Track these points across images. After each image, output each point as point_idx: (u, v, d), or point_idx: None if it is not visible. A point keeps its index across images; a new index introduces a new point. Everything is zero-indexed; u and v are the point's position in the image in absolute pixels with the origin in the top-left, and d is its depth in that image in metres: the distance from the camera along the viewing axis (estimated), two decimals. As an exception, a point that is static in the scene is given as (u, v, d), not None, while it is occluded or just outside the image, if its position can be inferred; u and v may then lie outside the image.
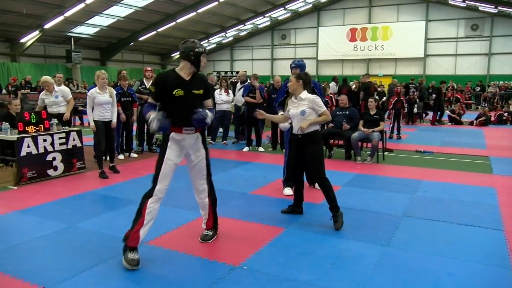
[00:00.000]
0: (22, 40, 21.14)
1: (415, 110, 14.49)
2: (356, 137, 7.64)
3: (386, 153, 8.27)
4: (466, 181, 6.34)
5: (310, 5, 29.08)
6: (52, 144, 6.45)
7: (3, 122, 6.46)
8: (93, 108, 6.49)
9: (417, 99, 14.64)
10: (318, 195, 5.47)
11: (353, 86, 13.67)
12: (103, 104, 6.45)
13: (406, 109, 12.66)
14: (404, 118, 12.70)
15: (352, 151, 7.91)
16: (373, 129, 7.65)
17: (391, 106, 11.25)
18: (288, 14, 29.90)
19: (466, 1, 23.87)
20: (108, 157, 7.06)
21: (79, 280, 3.19)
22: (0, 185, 5.93)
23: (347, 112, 8.06)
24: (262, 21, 29.81)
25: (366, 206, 5.03)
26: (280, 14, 29.13)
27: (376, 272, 3.33)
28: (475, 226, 4.37)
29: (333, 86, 15.21)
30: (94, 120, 6.46)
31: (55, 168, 6.49)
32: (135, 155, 8.27)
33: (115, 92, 6.80)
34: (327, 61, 30.20)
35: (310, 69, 30.12)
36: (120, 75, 8.03)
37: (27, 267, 3.41)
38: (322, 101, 4.58)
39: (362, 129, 7.73)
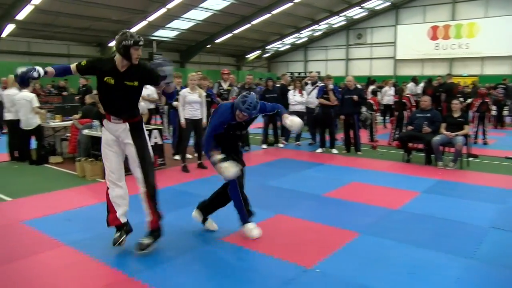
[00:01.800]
0: (110, 44, 22.82)
1: (505, 112, 13.35)
2: (437, 141, 7.22)
3: (470, 158, 7.71)
4: None
5: (388, 3, 28.02)
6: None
7: (94, 120, 7.02)
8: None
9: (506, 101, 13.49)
10: (396, 200, 5.27)
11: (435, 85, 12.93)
12: (192, 103, 6.93)
13: (492, 111, 11.70)
14: (490, 121, 11.72)
15: (433, 155, 7.49)
16: (456, 133, 7.18)
17: (475, 108, 10.44)
18: (365, 13, 29.08)
19: None
20: (196, 154, 7.42)
21: (159, 271, 3.36)
22: (91, 178, 6.46)
23: (429, 114, 7.64)
24: (337, 21, 29.29)
25: (448, 215, 4.74)
26: (356, 13, 28.42)
27: (460, 286, 3.12)
28: None
29: (411, 87, 14.54)
30: (184, 118, 6.99)
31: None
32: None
33: (204, 94, 7.15)
34: (405, 60, 28.87)
35: (387, 69, 29.09)
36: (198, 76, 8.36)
37: (113, 254, 3.67)
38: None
39: (445, 132, 7.29)
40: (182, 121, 7.02)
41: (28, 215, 4.72)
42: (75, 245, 3.86)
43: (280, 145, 9.68)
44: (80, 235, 4.12)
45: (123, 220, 3.76)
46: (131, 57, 3.56)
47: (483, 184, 6.18)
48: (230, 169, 3.71)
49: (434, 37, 27.50)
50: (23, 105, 7.33)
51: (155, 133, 7.19)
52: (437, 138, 7.23)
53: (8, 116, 7.77)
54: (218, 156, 3.82)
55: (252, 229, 4.12)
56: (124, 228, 3.78)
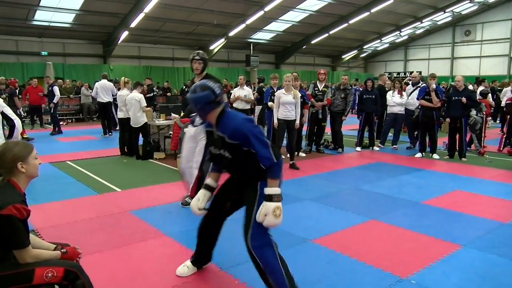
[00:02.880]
0: (211, 47, 24.01)
1: None
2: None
3: None
4: None
5: (504, -5, 25.40)
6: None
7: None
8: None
9: None
10: (507, 212, 4.78)
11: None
12: (285, 104, 7.06)
13: None
14: None
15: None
16: None
17: None
18: (475, 7, 26.69)
19: None
20: (288, 155, 7.50)
21: (251, 267, 3.44)
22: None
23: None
24: (442, 17, 27.30)
25: None
26: (464, 7, 26.21)
27: None
28: None
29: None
30: (277, 118, 7.15)
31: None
32: (303, 155, 8.55)
33: (299, 95, 7.22)
34: (522, 58, 25.95)
35: (500, 68, 26.45)
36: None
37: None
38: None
39: None
40: (276, 121, 7.13)
41: (135, 206, 5.17)
42: (175, 236, 4.14)
43: (376, 148, 9.33)
44: (179, 227, 4.40)
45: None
46: (192, 68, 4.81)
47: None
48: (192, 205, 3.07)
49: (559, 31, 24.30)
50: (133, 104, 8.04)
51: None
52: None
53: (120, 114, 8.61)
54: (206, 181, 3.12)
55: None
56: None
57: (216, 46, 23.93)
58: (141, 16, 17.81)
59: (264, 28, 23.64)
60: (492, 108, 11.68)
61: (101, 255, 3.72)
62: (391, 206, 5.15)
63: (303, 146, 8.83)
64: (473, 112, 8.43)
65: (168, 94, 17.90)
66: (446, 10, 25.65)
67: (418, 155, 8.46)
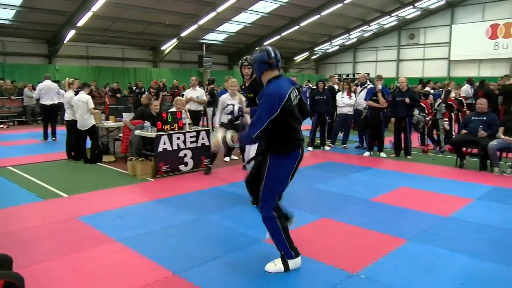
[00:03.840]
0: (163, 48, 23.59)
1: None
2: (495, 145, 6.84)
3: (532, 165, 7.24)
4: None
5: (443, 2, 26.89)
6: (184, 141, 7.06)
7: (146, 121, 7.29)
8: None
9: None
10: (448, 207, 5.05)
11: (491, 88, 12.23)
12: None
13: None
14: None
15: (489, 161, 7.10)
16: (516, 138, 6.77)
17: None
18: (418, 12, 28.07)
19: None
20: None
21: (204, 270, 3.43)
22: (141, 177, 6.71)
23: (485, 118, 7.26)
24: (388, 21, 28.49)
25: (506, 224, 4.47)
26: (408, 12, 27.50)
27: (516, 299, 2.95)
28: None
29: (466, 89, 13.87)
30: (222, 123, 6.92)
31: (186, 164, 7.09)
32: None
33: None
34: (461, 61, 27.58)
35: (441, 70, 27.94)
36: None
37: (161, 251, 3.79)
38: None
39: (503, 137, 6.89)
40: (217, 125, 7.03)
41: (84, 211, 4.98)
42: (126, 241, 4.03)
43: (327, 148, 9.56)
44: (130, 232, 4.29)
45: None
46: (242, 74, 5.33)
47: (545, 193, 5.78)
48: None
49: (493, 36, 26.05)
50: (80, 106, 7.73)
51: (203, 134, 7.34)
52: (494, 143, 6.85)
53: (66, 116, 8.26)
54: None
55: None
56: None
57: (168, 46, 23.56)
58: (88, 14, 17.16)
59: (217, 29, 23.55)
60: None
61: (49, 264, 3.56)
62: (342, 204, 5.30)
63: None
64: (416, 112, 8.86)
65: (118, 95, 17.39)
66: (392, 15, 26.79)
67: (367, 154, 8.76)
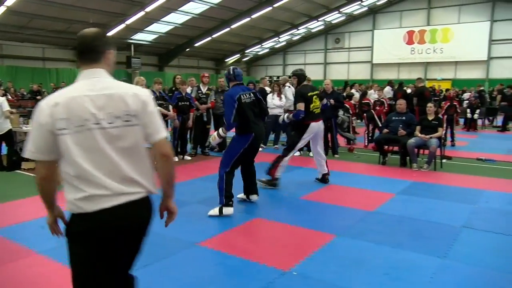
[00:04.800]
0: (87, 48, 22.47)
1: (476, 116, 13.72)
2: (412, 143, 7.36)
3: (444, 160, 7.90)
4: (534, 193, 5.91)
5: (366, 8, 28.50)
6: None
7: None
8: None
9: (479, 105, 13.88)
10: (373, 202, 5.34)
11: (408, 90, 13.15)
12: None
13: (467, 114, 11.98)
14: (457, 124, 12.02)
15: (408, 158, 7.64)
16: (431, 135, 7.34)
17: (444, 111, 10.62)
18: (343, 18, 29.51)
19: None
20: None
21: (139, 273, 3.31)
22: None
23: (404, 118, 7.79)
24: (316, 25, 29.62)
25: (423, 216, 4.83)
26: (334, 17, 28.80)
27: (433, 285, 3.19)
28: (545, 241, 4.06)
29: (388, 90, 14.78)
30: None
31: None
32: (189, 158, 8.50)
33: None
34: (382, 64, 29.42)
35: (365, 73, 29.55)
36: (179, 79, 8.34)
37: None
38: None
39: (419, 135, 7.44)
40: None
41: (0, 223, 4.59)
42: (49, 253, 3.77)
43: (259, 148, 9.67)
44: (53, 243, 3.99)
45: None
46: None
47: (456, 185, 6.33)
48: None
49: (410, 42, 28.11)
50: (-6, 109, 7.13)
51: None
52: (412, 141, 7.37)
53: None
54: None
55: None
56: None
57: (94, 46, 22.51)
58: (1, 9, 15.89)
59: (145, 29, 22.95)
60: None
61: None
62: (274, 204, 5.41)
63: (188, 149, 8.78)
64: (341, 112, 9.28)
65: (39, 97, 16.26)
66: (319, 19, 27.89)
67: (297, 153, 8.98)
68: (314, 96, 6.16)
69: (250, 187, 5.37)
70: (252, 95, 5.01)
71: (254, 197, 5.37)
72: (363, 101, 10.59)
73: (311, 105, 6.06)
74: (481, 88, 17.00)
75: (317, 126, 6.17)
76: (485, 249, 3.88)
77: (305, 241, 4.07)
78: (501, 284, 3.20)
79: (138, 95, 1.90)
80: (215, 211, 4.81)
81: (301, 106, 5.98)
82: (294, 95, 6.44)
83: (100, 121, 1.80)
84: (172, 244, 3.96)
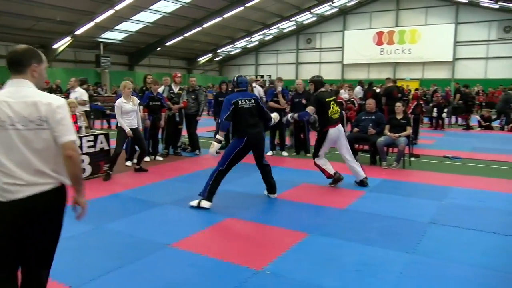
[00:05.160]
0: (55, 46, 21.82)
1: (444, 115, 14.16)
2: (382, 142, 7.52)
3: (412, 158, 8.11)
4: (497, 188, 6.14)
5: (336, 9, 28.92)
6: (80, 146, 6.62)
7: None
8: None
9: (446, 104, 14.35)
10: (344, 200, 5.42)
11: (378, 90, 13.43)
12: (128, 112, 6.79)
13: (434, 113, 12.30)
14: (422, 122, 12.37)
15: (378, 156, 7.80)
16: (399, 134, 7.52)
17: (410, 110, 10.88)
18: (314, 18, 29.85)
19: (499, 2, 23.18)
20: (135, 160, 7.41)
21: (105, 281, 3.25)
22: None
23: (373, 117, 7.95)
24: (287, 26, 29.84)
25: (393, 212, 4.94)
26: (305, 18, 29.10)
27: (402, 280, 3.27)
28: (507, 235, 4.23)
29: (358, 90, 15.04)
30: (119, 127, 6.83)
31: (83, 170, 6.65)
32: (161, 158, 8.39)
33: (138, 101, 7.13)
34: (353, 65, 29.93)
35: (336, 73, 29.97)
36: (151, 79, 8.21)
37: (56, 266, 3.48)
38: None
39: (389, 133, 7.61)
40: (128, 129, 6.77)
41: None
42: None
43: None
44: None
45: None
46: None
47: (424, 182, 6.51)
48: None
49: (379, 43, 28.71)
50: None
51: (101, 138, 6.96)
52: (381, 139, 7.53)
53: None
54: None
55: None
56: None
57: (61, 45, 21.85)
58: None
59: (115, 28, 22.51)
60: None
61: None
62: (247, 203, 5.41)
63: (160, 149, 8.67)
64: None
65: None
66: (291, 19, 28.12)
67: (270, 153, 9.04)
68: (332, 102, 6.16)
69: (268, 188, 5.67)
70: (252, 101, 5.30)
71: (272, 196, 5.67)
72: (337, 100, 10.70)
73: (329, 111, 6.06)
74: (459, 86, 17.48)
75: (336, 132, 6.16)
76: (451, 243, 4.01)
77: (278, 240, 4.09)
78: (466, 276, 3.31)
79: (51, 103, 2.19)
80: (195, 202, 5.12)
81: (311, 109, 6.09)
82: (310, 100, 6.43)
83: (15, 123, 2.14)
84: (144, 246, 3.91)
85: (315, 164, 6.32)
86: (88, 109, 9.15)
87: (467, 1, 25.08)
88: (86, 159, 6.67)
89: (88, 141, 6.75)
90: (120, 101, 6.79)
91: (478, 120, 14.96)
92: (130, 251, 3.81)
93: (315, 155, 6.31)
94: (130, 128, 6.79)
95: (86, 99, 8.91)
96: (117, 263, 3.54)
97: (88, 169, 6.71)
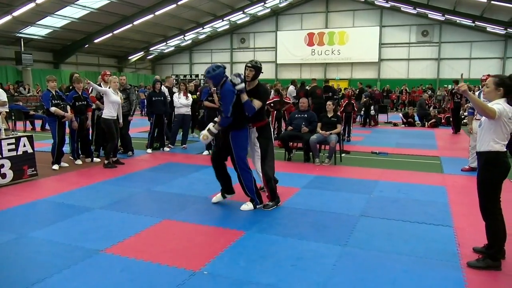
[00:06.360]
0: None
1: (372, 112, 14.98)
2: (314, 139, 7.77)
3: (343, 154, 8.47)
4: (419, 181, 6.60)
5: (269, 10, 29.41)
6: (0, 150, 6.13)
7: None
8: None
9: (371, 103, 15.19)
10: (280, 196, 5.52)
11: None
12: (114, 102, 7.36)
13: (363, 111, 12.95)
14: (354, 121, 13.00)
15: (311, 153, 8.05)
16: (330, 132, 7.81)
17: (342, 109, 11.37)
18: (247, 18, 30.11)
19: (417, 8, 24.96)
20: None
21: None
22: None
23: (306, 115, 8.19)
24: (221, 25, 29.83)
25: (325, 207, 5.13)
26: (239, 18, 29.28)
27: (335, 272, 3.40)
28: (428, 223, 4.55)
29: (292, 89, 15.41)
30: (105, 118, 7.34)
31: (3, 176, 6.16)
32: (98, 160, 8.03)
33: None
34: (286, 64, 30.63)
35: (270, 72, 30.48)
36: (73, 78, 7.79)
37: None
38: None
39: (320, 131, 7.88)
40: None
41: None
42: None
43: (166, 149, 9.48)
44: None
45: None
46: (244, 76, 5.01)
47: (354, 177, 6.83)
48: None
49: (310, 43, 29.65)
50: None
51: (24, 141, 6.49)
52: (314, 137, 7.78)
53: None
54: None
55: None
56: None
57: (-26, 40, 20.14)
58: None
59: (37, 23, 21.10)
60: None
61: None
62: (182, 204, 5.32)
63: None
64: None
65: None
66: (224, 19, 28.12)
67: (205, 152, 8.99)
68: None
69: (226, 187, 5.30)
70: None
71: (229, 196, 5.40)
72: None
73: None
74: (362, 87, 18.40)
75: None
76: (379, 234, 4.24)
77: (215, 240, 4.08)
78: (392, 264, 3.52)
79: None
80: (248, 206, 5.03)
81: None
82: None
83: None
84: (74, 254, 3.70)
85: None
86: (7, 110, 8.51)
87: (389, 5, 26.69)
88: (7, 163, 6.18)
89: (9, 144, 6.26)
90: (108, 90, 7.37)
91: (401, 117, 16.01)
92: (57, 259, 3.59)
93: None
94: (112, 118, 7.32)
95: (4, 99, 8.27)
96: (42, 274, 3.32)
97: (9, 174, 6.22)
